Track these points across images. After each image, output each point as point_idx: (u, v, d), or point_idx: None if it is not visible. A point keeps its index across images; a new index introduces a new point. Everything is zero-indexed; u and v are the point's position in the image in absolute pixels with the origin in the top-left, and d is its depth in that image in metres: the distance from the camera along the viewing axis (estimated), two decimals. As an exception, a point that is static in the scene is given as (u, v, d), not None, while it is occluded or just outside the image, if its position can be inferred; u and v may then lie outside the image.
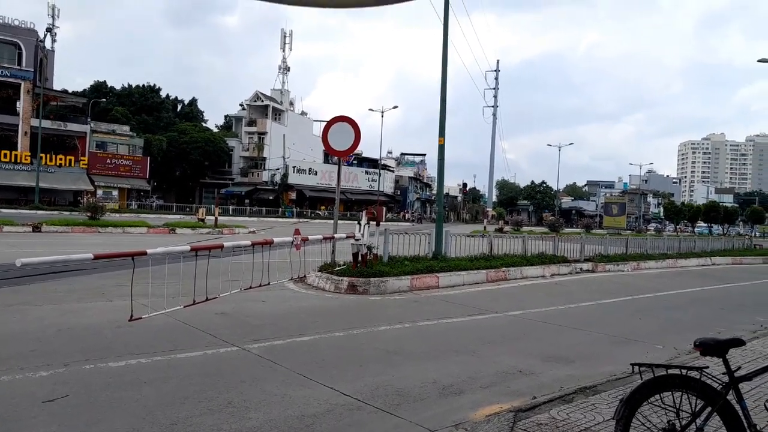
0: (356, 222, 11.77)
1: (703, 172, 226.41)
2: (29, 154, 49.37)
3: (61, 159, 51.37)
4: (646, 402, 3.18)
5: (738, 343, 3.22)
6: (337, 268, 11.77)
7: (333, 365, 5.91)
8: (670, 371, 3.20)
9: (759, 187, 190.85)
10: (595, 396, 4.99)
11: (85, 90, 68.35)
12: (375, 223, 12.24)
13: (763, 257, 27.43)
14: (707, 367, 3.16)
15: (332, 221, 13.44)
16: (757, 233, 73.62)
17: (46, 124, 49.57)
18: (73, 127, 53.78)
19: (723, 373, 3.17)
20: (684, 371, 3.16)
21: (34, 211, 38.20)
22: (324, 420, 4.41)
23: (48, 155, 49.79)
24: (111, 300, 8.77)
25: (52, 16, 57.75)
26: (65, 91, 60.05)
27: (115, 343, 6.26)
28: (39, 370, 5.18)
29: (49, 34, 57.45)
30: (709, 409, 3.09)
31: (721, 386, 3.14)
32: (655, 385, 3.15)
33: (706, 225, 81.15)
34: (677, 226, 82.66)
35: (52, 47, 58.89)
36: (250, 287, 8.95)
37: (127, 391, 4.80)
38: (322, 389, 5.11)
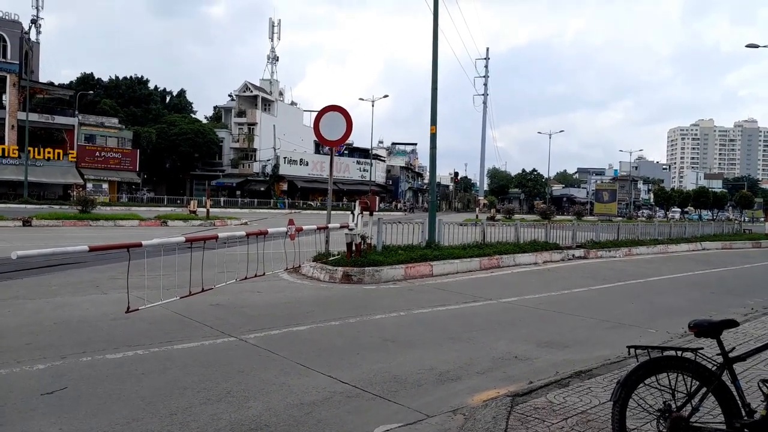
0: (349, 212, 11.77)
1: (693, 157, 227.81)
2: (17, 147, 48.88)
3: (49, 152, 50.83)
4: (642, 384, 3.22)
5: (732, 324, 3.27)
6: (332, 258, 11.78)
7: (330, 354, 5.94)
8: (666, 353, 3.25)
9: (747, 172, 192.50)
10: (591, 380, 5.05)
11: (71, 82, 67.57)
12: (368, 212, 12.25)
13: (752, 241, 27.68)
14: (702, 348, 3.21)
15: (324, 212, 13.43)
16: (746, 218, 74.34)
17: (33, 117, 49.06)
18: (60, 120, 53.22)
19: (717, 354, 3.22)
20: (679, 352, 3.21)
21: (23, 206, 37.90)
22: (323, 407, 4.44)
23: (36, 149, 49.31)
24: (105, 293, 8.75)
25: (37, 8, 57.00)
26: (51, 84, 59.41)
27: (112, 336, 6.26)
28: (36, 363, 5.18)
29: (33, 26, 56.77)
30: (704, 389, 3.14)
31: (715, 367, 3.19)
32: (651, 366, 3.20)
33: (681, 210, 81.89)
34: (667, 212, 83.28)
35: (37, 39, 58.14)
36: (245, 278, 8.96)
37: (125, 382, 4.81)
38: (320, 377, 5.14)
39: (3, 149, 48.75)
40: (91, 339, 6.09)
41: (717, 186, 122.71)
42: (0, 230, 20.38)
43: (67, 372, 5.00)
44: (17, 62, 50.27)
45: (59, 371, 5.01)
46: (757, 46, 29.91)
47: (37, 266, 10.78)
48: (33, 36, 56.99)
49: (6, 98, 50.11)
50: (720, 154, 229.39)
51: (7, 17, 50.12)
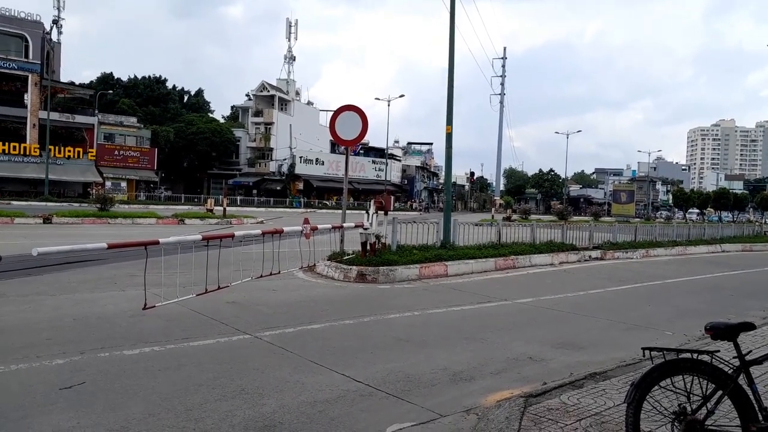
0: (364, 211, 11.80)
1: (713, 158, 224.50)
2: (38, 146, 49.70)
3: (69, 151, 51.64)
4: (657, 386, 3.19)
5: (749, 326, 3.23)
6: (346, 257, 11.82)
7: (344, 352, 5.96)
8: (681, 355, 3.22)
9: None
10: (605, 381, 5.02)
11: (91, 82, 68.53)
12: (383, 212, 12.26)
13: (773, 244, 27.24)
14: (718, 351, 3.17)
15: (339, 211, 13.48)
16: (767, 220, 73.10)
17: (54, 116, 49.79)
18: (80, 119, 54.01)
19: (734, 357, 3.18)
20: (695, 355, 3.18)
21: (44, 203, 38.48)
22: (337, 405, 4.46)
23: (56, 147, 50.09)
24: (123, 290, 8.87)
25: (58, 9, 57.77)
26: (72, 83, 60.22)
27: (130, 332, 6.35)
28: (55, 358, 5.27)
29: (55, 26, 57.55)
30: (720, 392, 3.11)
31: (732, 370, 3.16)
32: (666, 368, 3.17)
33: (699, 211, 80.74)
34: (685, 214, 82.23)
35: (58, 39, 58.96)
36: (261, 276, 9.03)
37: (142, 378, 4.88)
38: (333, 375, 5.17)
39: (24, 148, 49.58)
40: (109, 335, 6.18)
41: (738, 187, 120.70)
42: (21, 227, 20.75)
43: (86, 367, 5.08)
44: (39, 62, 51.04)
45: (78, 366, 5.09)
46: (779, 45, 29.38)
47: (57, 263, 10.95)
48: (54, 36, 57.82)
49: (28, 97, 50.93)
50: (741, 154, 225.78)
51: (29, 18, 50.91)
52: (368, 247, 11.68)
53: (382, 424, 4.16)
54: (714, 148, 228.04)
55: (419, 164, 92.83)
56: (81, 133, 54.30)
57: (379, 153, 76.08)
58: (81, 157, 52.44)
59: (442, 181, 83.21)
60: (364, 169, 73.18)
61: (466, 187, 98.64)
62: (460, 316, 8.21)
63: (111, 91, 63.09)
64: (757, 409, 3.10)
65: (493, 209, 52.99)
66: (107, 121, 55.81)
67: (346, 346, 6.22)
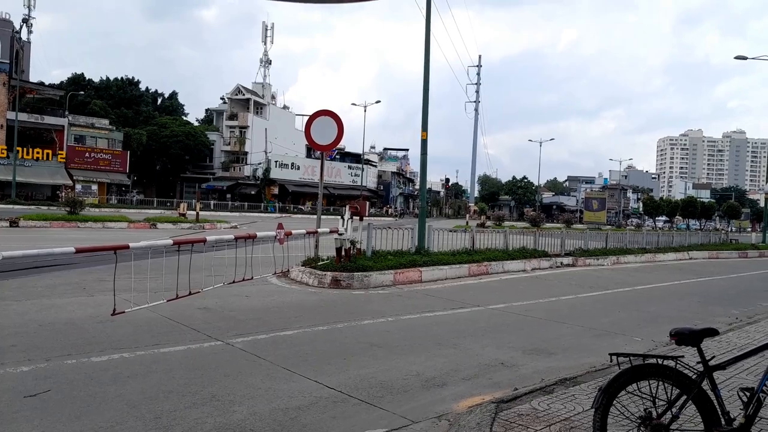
0: (339, 217, 11.79)
1: (681, 167, 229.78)
2: (5, 147, 48.47)
3: (38, 153, 50.44)
4: (623, 391, 3.25)
5: (712, 332, 3.31)
6: (321, 263, 11.78)
7: (317, 359, 5.94)
8: (647, 361, 3.28)
9: (735, 182, 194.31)
10: (575, 387, 5.08)
11: (62, 82, 67.20)
12: (358, 217, 12.26)
13: (738, 251, 27.96)
14: (683, 357, 3.25)
15: (314, 216, 13.43)
16: (732, 228, 75.10)
17: (23, 117, 48.69)
18: (50, 120, 52.84)
19: (698, 363, 3.26)
20: (660, 361, 3.25)
21: (11, 206, 37.52)
22: (309, 412, 4.44)
23: (25, 149, 48.93)
24: (92, 295, 8.70)
25: (28, 7, 56.67)
26: (42, 84, 59.00)
27: (98, 338, 6.22)
28: (20, 365, 5.14)
29: (25, 25, 56.44)
30: (684, 397, 3.18)
31: (696, 375, 3.23)
32: (632, 374, 3.23)
33: (665, 219, 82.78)
34: (654, 222, 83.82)
35: (28, 39, 57.80)
36: (234, 282, 8.93)
37: (110, 385, 4.78)
38: (306, 382, 5.14)
39: (-9, 149, 48.36)
40: (76, 341, 6.05)
41: (705, 196, 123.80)
42: (-14, 230, 20.19)
43: (52, 374, 4.97)
44: (7, 61, 49.88)
45: (43, 373, 4.98)
46: (745, 58, 30.34)
47: (23, 267, 10.68)
48: (24, 35, 56.68)
49: (-5, 97, 49.70)
50: (708, 164, 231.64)
51: (-3, 16, 49.80)
52: (343, 253, 11.66)
53: (354, 430, 4.15)
54: (682, 158, 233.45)
55: (395, 170, 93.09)
56: (50, 135, 53.12)
57: (355, 158, 76.12)
58: (50, 159, 51.28)
59: (417, 187, 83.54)
60: (339, 174, 73.12)
61: (441, 194, 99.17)
62: (434, 322, 8.24)
63: (82, 92, 61.96)
64: (720, 413, 3.18)
65: (467, 216, 53.36)
66: (78, 123, 54.72)
67: (319, 353, 6.19)
